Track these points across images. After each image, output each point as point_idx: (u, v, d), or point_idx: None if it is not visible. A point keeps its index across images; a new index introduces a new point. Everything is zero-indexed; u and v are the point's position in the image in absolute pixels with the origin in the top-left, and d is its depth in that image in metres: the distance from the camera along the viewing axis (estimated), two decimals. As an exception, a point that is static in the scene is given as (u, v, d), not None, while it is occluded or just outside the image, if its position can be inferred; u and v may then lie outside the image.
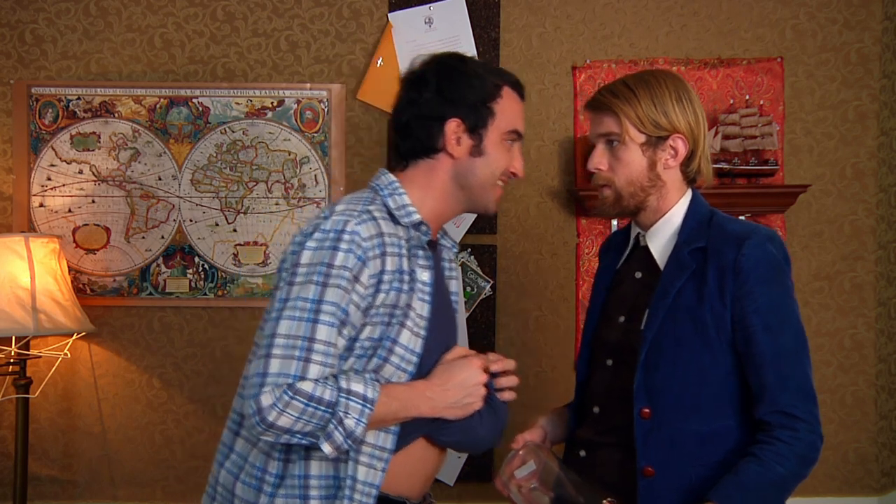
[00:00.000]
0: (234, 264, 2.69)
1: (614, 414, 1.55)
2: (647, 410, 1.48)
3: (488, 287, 2.68)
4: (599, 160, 1.57)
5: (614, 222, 2.60)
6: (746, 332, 1.45)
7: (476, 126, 1.49)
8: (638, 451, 1.48)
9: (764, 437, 1.43)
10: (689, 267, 1.49)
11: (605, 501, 1.42)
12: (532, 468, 1.47)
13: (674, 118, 1.54)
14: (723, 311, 1.46)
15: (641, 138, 1.53)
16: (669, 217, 1.57)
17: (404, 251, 1.45)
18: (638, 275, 1.59)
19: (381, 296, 1.40)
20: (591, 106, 1.59)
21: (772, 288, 1.46)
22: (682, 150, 1.55)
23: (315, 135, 2.70)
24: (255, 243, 2.69)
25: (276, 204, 2.69)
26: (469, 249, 2.68)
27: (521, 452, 1.51)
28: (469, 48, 2.67)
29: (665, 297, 1.49)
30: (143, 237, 2.68)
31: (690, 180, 1.59)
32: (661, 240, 1.57)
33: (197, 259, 2.69)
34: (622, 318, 1.57)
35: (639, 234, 1.61)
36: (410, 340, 1.44)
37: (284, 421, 1.31)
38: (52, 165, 2.68)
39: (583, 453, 1.58)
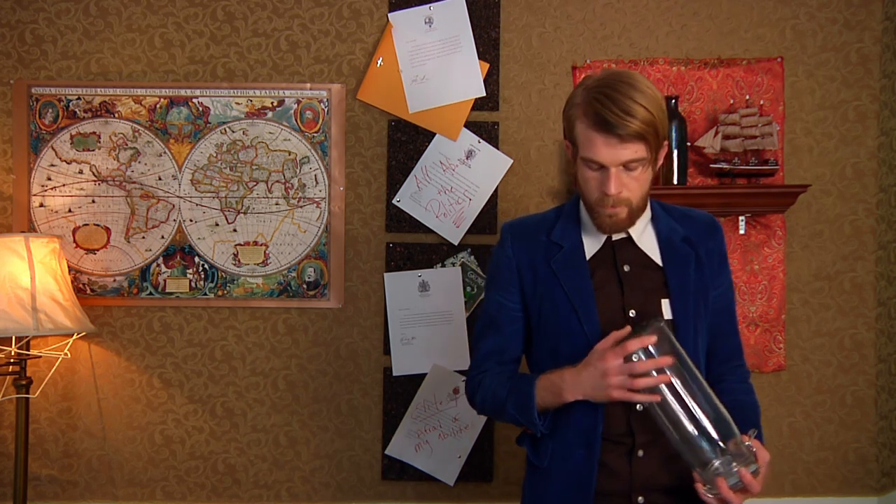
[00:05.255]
0: (234, 264, 2.69)
1: None
2: None
3: (488, 287, 2.68)
4: (620, 185, 1.53)
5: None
6: (722, 301, 1.68)
7: None
8: None
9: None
10: (690, 255, 1.63)
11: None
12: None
13: (666, 127, 1.57)
14: (711, 288, 1.65)
15: (653, 155, 1.54)
16: (646, 222, 1.66)
17: None
18: (626, 268, 1.62)
19: None
20: (617, 131, 1.49)
21: (730, 272, 1.74)
22: (665, 151, 1.60)
23: (315, 135, 2.70)
24: (255, 243, 2.69)
25: (276, 204, 2.69)
26: (469, 249, 2.68)
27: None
28: (469, 48, 2.68)
29: (684, 286, 1.61)
30: (143, 237, 2.68)
31: None
32: (643, 233, 1.64)
33: (197, 259, 2.69)
34: (633, 312, 1.59)
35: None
36: None
37: None
38: (52, 165, 2.68)
39: (641, 453, 1.57)
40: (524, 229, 1.71)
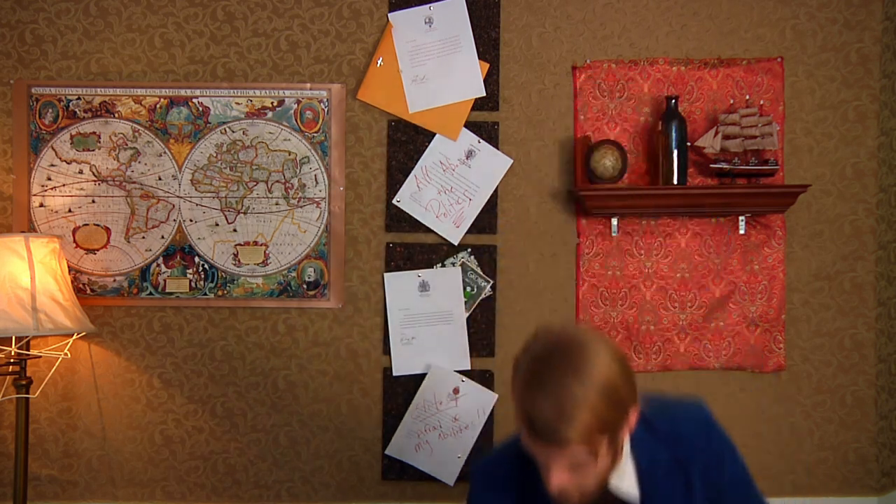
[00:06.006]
0: (234, 264, 2.69)
1: None
2: None
3: (488, 287, 2.68)
4: (565, 482, 1.32)
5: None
6: (736, 499, 1.51)
7: None
8: None
9: None
10: (677, 482, 1.45)
11: None
12: None
13: (629, 397, 1.33)
14: (706, 494, 1.47)
15: (607, 439, 1.31)
16: (624, 459, 1.44)
17: None
18: None
19: None
20: (550, 440, 1.27)
21: (736, 455, 1.51)
22: (636, 414, 1.38)
23: (315, 135, 2.70)
24: (255, 243, 2.69)
25: (276, 204, 2.69)
26: (469, 249, 2.68)
27: None
28: (469, 48, 2.68)
29: None
30: (143, 237, 2.68)
31: None
32: (623, 478, 1.45)
33: (197, 259, 2.69)
34: None
35: None
36: None
37: None
38: (52, 165, 2.68)
39: None
40: (495, 482, 1.53)
